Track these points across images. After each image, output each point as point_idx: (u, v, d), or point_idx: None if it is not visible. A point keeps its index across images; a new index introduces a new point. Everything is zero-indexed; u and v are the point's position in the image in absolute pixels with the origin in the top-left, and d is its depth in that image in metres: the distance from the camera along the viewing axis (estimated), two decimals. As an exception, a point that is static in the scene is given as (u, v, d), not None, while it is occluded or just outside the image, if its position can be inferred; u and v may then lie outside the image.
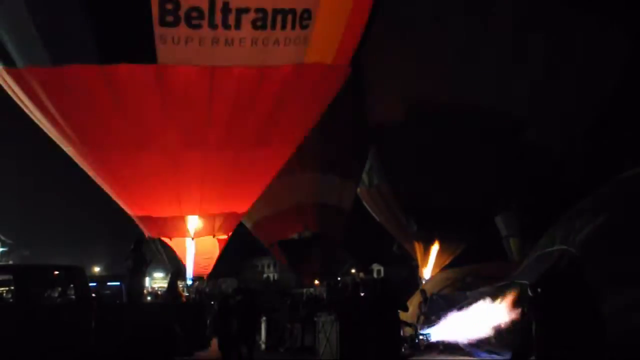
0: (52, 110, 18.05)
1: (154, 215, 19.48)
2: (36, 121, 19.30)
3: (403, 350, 15.22)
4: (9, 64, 17.44)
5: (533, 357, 13.24)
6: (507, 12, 22.29)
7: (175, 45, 16.14)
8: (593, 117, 24.03)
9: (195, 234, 19.61)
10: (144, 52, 16.27)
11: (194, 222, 19.48)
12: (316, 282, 28.74)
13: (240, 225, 22.46)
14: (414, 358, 15.99)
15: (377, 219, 30.32)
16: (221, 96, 17.25)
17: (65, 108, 17.77)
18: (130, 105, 17.19)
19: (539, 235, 16.07)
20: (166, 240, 20.28)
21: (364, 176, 28.68)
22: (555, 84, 22.48)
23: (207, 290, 23.17)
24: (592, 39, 22.89)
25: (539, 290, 12.63)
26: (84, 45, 16.45)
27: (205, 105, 17.36)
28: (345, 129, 24.82)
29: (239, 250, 35.79)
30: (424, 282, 23.78)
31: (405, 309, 13.99)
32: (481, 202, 23.97)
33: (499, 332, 13.77)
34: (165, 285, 22.09)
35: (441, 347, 17.20)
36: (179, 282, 20.87)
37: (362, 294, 16.75)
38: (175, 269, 19.33)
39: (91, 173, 19.84)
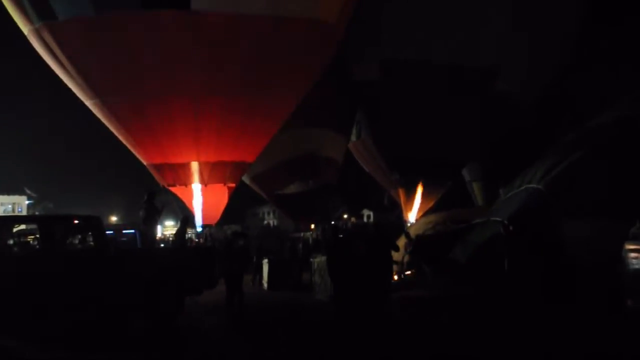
0: (89, 60, 17.90)
1: (172, 161, 19.48)
2: (64, 77, 19.01)
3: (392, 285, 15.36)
4: (51, 18, 17.19)
5: (505, 290, 13.38)
6: None
7: None
8: (557, 67, 23.84)
9: (208, 181, 19.64)
10: None
11: (208, 169, 19.51)
12: (312, 226, 28.90)
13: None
14: (401, 292, 16.16)
15: (366, 169, 30.40)
16: (245, 42, 17.37)
17: (103, 57, 17.68)
18: (164, 51, 17.21)
19: (499, 178, 16.13)
20: (177, 190, 20.30)
21: (353, 130, 28.68)
22: (522, 34, 22.21)
23: (220, 235, 23.26)
24: None
25: (510, 227, 12.69)
26: None
27: (230, 50, 17.44)
28: (335, 86, 24.65)
29: (241, 198, 35.85)
30: (409, 224, 23.93)
31: (397, 249, 14.13)
32: (456, 150, 24.00)
33: (475, 267, 13.88)
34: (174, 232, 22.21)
35: (426, 281, 17.38)
36: (188, 229, 20.92)
37: (340, 236, 16.87)
38: (184, 216, 19.42)
39: (113, 124, 19.66)
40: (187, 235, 22.80)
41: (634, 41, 23.07)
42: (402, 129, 23.56)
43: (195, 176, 19.36)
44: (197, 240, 21.41)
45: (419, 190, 24.80)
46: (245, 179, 26.77)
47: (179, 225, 19.29)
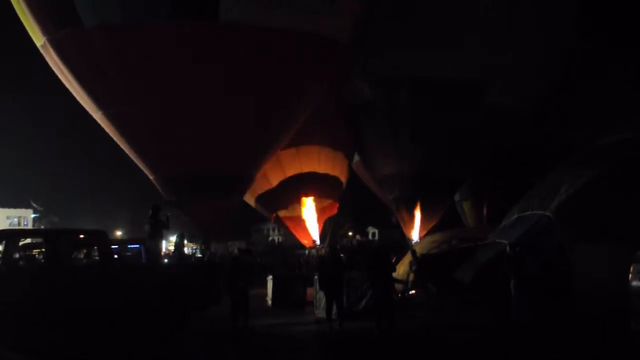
0: (111, 68, 17.80)
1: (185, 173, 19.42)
2: (77, 88, 18.85)
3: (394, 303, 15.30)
4: (76, 25, 17.21)
5: (511, 311, 13.30)
6: None
7: (236, 3, 16.36)
8: (550, 84, 23.77)
9: (217, 194, 19.61)
10: (209, 9, 16.41)
11: (220, 182, 19.46)
12: (317, 243, 28.75)
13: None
14: (405, 312, 16.07)
15: (370, 187, 30.40)
16: (268, 54, 17.67)
17: (126, 64, 17.64)
18: (189, 59, 17.29)
19: (486, 197, 15.92)
20: (183, 204, 20.19)
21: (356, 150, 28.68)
22: (513, 51, 22.15)
23: (224, 251, 23.18)
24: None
25: (517, 249, 12.65)
26: (156, 2, 16.45)
27: (252, 62, 17.71)
28: (337, 105, 24.61)
29: (245, 215, 35.91)
30: (413, 242, 23.83)
31: (394, 270, 14.14)
32: (450, 167, 23.93)
33: (480, 288, 13.81)
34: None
35: (429, 302, 17.29)
36: (192, 244, 20.88)
37: (341, 255, 16.86)
38: (181, 232, 19.42)
39: (124, 136, 19.47)
40: (186, 250, 22.81)
41: (628, 59, 23.10)
42: (394, 148, 23.54)
43: (208, 188, 19.34)
44: (200, 256, 21.35)
45: (418, 209, 24.66)
46: (249, 199, 26.67)
47: (176, 240, 19.25)
